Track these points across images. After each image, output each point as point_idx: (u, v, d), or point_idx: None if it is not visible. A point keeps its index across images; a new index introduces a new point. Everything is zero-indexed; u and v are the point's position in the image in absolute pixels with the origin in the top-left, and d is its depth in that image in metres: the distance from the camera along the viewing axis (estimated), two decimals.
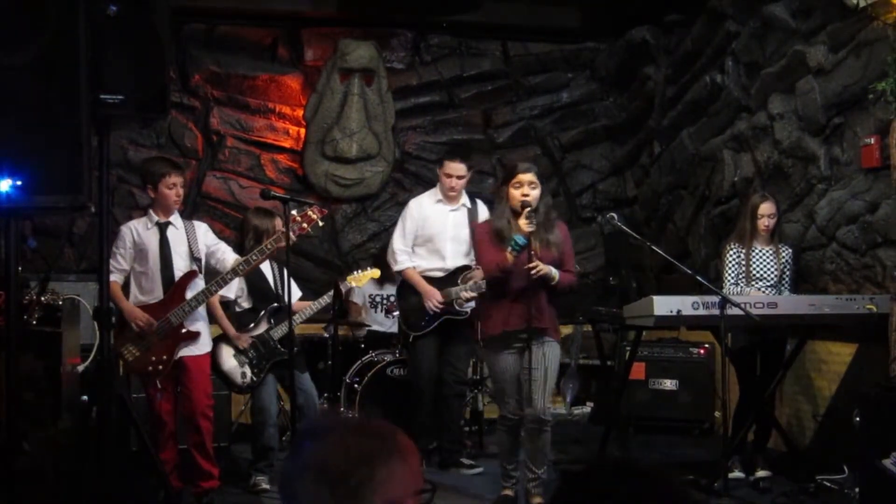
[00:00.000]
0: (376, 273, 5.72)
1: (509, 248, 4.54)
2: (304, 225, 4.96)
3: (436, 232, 5.84)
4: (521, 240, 4.50)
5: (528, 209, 4.55)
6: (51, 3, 3.01)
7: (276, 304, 5.55)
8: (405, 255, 5.82)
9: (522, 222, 4.54)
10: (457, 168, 5.78)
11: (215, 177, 7.72)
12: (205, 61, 7.68)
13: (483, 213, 5.94)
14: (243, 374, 5.41)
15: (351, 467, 1.42)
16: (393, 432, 1.50)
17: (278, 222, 5.55)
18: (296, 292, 5.70)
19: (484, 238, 4.77)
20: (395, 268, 5.87)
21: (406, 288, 5.86)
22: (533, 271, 4.50)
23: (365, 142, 7.71)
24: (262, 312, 5.54)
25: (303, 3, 7.68)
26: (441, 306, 5.68)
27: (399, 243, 5.86)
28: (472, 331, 5.78)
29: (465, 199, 5.93)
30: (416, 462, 1.51)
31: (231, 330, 5.46)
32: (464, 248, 5.85)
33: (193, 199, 7.54)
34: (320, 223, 5.05)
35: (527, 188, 4.65)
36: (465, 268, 5.82)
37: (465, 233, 5.85)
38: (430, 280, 5.77)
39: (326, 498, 1.41)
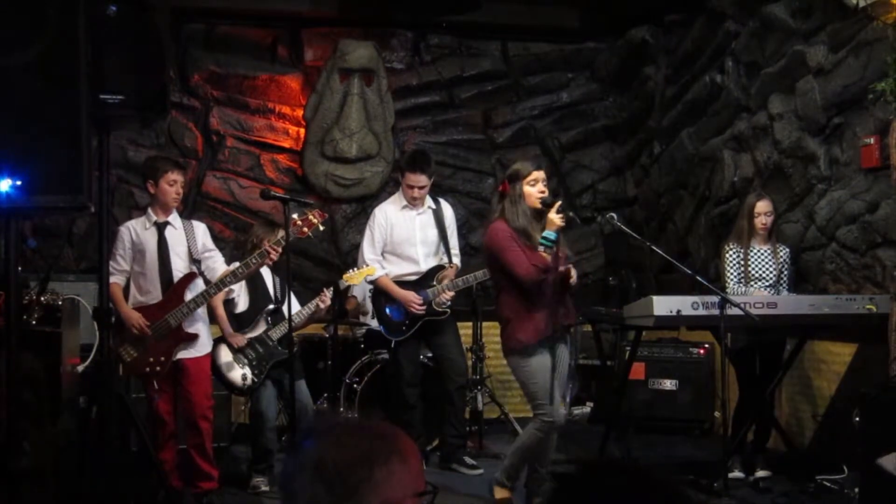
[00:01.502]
0: (372, 270, 5.71)
1: (542, 247, 4.46)
2: (305, 229, 4.96)
3: (405, 237, 5.84)
4: (552, 235, 4.45)
5: (559, 203, 4.50)
6: (51, 3, 3.00)
7: (273, 306, 5.55)
8: (376, 265, 5.81)
9: (555, 217, 4.46)
10: (418, 180, 5.78)
11: (215, 177, 7.72)
12: (205, 61, 7.69)
13: (448, 212, 5.97)
14: (244, 377, 5.40)
15: (349, 467, 1.42)
16: (393, 433, 1.50)
17: (279, 234, 5.53)
18: (294, 306, 5.71)
19: (509, 244, 4.53)
20: (368, 279, 5.87)
21: (381, 296, 5.86)
22: (571, 278, 4.53)
23: (365, 142, 7.71)
24: (261, 313, 5.53)
25: (303, 3, 7.68)
26: (423, 308, 5.69)
27: (369, 253, 5.84)
28: (453, 318, 5.83)
29: (428, 201, 5.93)
30: (417, 463, 1.50)
31: (228, 329, 5.45)
32: (433, 248, 5.88)
33: (193, 199, 7.55)
34: (321, 227, 5.04)
35: (542, 185, 4.60)
36: (439, 268, 5.84)
37: (432, 233, 5.88)
38: (405, 284, 5.78)
39: (324, 497, 1.41)
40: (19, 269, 3.40)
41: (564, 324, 4.61)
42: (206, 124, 7.71)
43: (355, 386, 6.06)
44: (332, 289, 5.75)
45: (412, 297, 5.70)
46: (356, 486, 1.41)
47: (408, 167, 5.82)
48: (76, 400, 4.80)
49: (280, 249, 5.00)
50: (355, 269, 5.77)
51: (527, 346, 4.54)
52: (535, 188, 4.59)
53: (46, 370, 4.34)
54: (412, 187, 5.78)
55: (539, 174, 4.61)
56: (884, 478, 4.25)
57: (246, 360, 5.42)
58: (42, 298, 4.62)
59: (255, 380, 5.41)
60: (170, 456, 4.95)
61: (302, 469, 1.44)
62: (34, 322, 4.55)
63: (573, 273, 4.60)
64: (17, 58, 2.96)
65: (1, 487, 3.11)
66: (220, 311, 5.48)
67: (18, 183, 2.98)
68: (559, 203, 4.50)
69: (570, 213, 4.53)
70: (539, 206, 4.56)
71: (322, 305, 5.62)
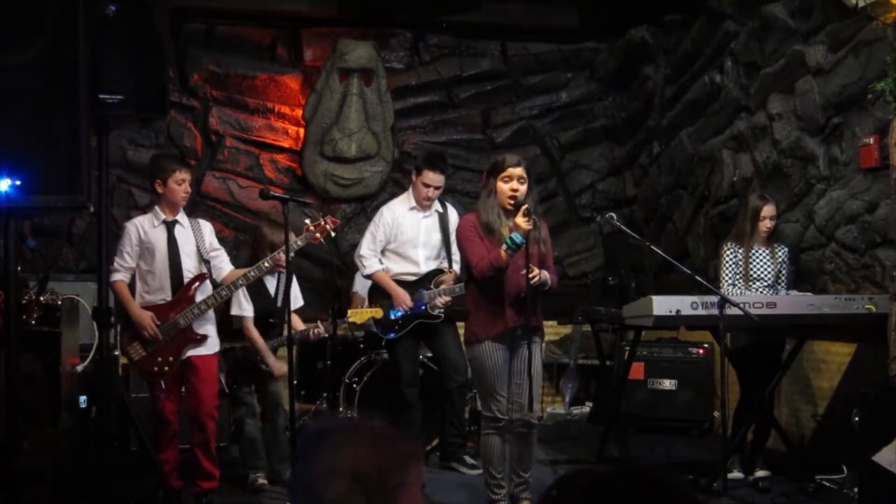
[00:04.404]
0: (378, 312, 5.67)
1: (505, 247, 4.36)
2: (317, 234, 5.01)
3: (408, 238, 5.84)
4: (518, 238, 4.32)
5: (526, 207, 4.36)
6: (51, 3, 3.00)
7: (271, 320, 5.54)
8: (374, 259, 5.81)
9: (521, 220, 4.32)
10: (436, 179, 5.77)
11: (214, 176, 7.72)
12: (204, 61, 7.68)
13: (454, 217, 5.94)
14: (218, 380, 5.41)
15: (387, 472, 1.44)
16: (406, 435, 1.54)
17: (293, 236, 5.55)
18: (298, 300, 5.71)
19: (471, 234, 4.55)
20: (364, 272, 5.86)
21: (376, 291, 5.85)
22: (532, 279, 4.38)
23: (364, 142, 7.71)
24: (262, 324, 5.55)
25: (302, 3, 7.68)
26: (409, 307, 5.68)
27: (367, 248, 5.84)
28: (452, 318, 5.79)
29: (436, 205, 5.93)
30: (422, 464, 1.55)
31: (269, 356, 5.47)
32: (435, 252, 5.88)
33: (192, 199, 7.50)
34: (332, 234, 5.10)
35: (516, 183, 4.48)
36: (438, 272, 5.83)
37: (436, 237, 5.87)
38: (403, 284, 5.77)
39: (361, 502, 1.42)
40: (18, 268, 3.40)
41: (529, 325, 4.49)
42: (205, 124, 7.71)
43: (354, 386, 6.06)
44: (328, 321, 5.74)
45: (404, 297, 5.69)
46: (394, 490, 1.44)
47: (427, 165, 5.78)
48: (76, 400, 4.80)
49: (271, 268, 5.06)
50: (364, 306, 5.74)
51: (479, 340, 4.56)
52: (507, 185, 4.49)
53: (46, 370, 4.34)
54: (428, 186, 5.76)
55: (515, 171, 4.49)
56: (883, 477, 4.26)
57: (225, 368, 5.44)
58: (41, 298, 4.62)
59: (226, 389, 5.46)
60: (172, 456, 4.94)
61: (335, 475, 1.44)
62: (33, 322, 4.55)
63: (539, 276, 4.43)
64: (16, 58, 2.96)
65: (1, 487, 3.12)
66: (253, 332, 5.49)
67: (18, 183, 2.98)
68: (525, 206, 4.35)
69: (536, 219, 4.40)
70: (508, 204, 4.48)
71: (313, 334, 5.63)
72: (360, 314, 5.68)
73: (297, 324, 5.70)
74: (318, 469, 1.47)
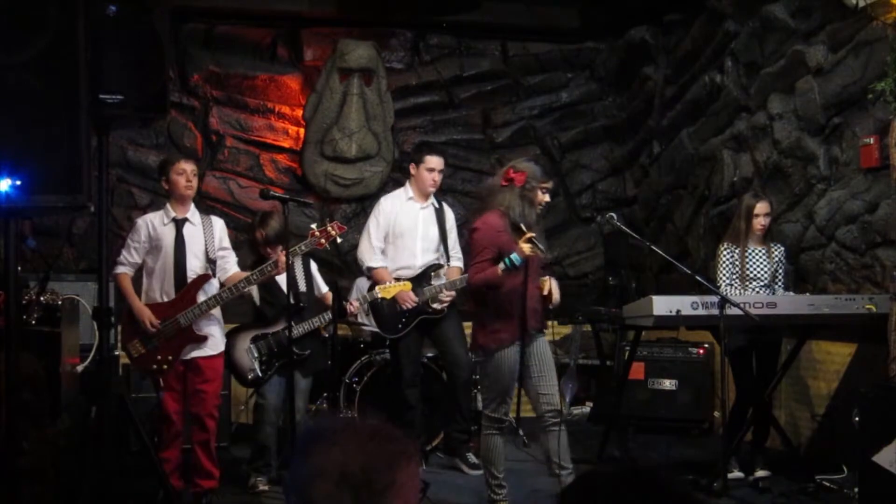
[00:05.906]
0: (408, 286, 5.66)
1: (502, 266, 4.45)
2: (322, 240, 5.00)
3: (406, 229, 5.85)
4: (518, 260, 4.44)
5: (532, 235, 4.47)
6: (51, 3, 3.00)
7: (300, 304, 5.54)
8: (378, 254, 5.82)
9: (526, 246, 4.44)
10: (438, 162, 5.81)
11: (214, 177, 7.72)
12: (204, 61, 7.69)
13: (450, 214, 5.98)
14: (251, 370, 5.41)
15: (374, 472, 1.44)
16: (401, 435, 1.52)
17: (258, 235, 5.59)
18: (323, 287, 5.77)
19: (486, 243, 4.58)
20: (367, 264, 5.86)
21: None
22: (549, 302, 4.66)
23: (364, 142, 7.71)
24: (282, 311, 5.55)
25: (302, 3, 7.68)
26: (414, 303, 5.68)
27: (369, 242, 5.85)
28: (456, 313, 5.82)
29: (432, 200, 5.94)
30: (419, 464, 1.53)
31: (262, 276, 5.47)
32: (432, 244, 5.88)
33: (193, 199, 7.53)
34: (339, 240, 5.10)
35: (547, 196, 4.73)
36: (436, 266, 5.84)
37: (433, 230, 5.89)
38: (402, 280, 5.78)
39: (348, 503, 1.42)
40: (19, 269, 3.40)
41: (535, 329, 4.66)
42: (205, 124, 7.72)
43: (355, 386, 6.06)
44: (360, 300, 5.75)
45: (409, 294, 5.69)
46: (383, 490, 1.43)
47: (426, 150, 5.86)
48: (76, 400, 4.80)
49: (272, 272, 5.07)
50: (390, 283, 5.73)
51: (498, 349, 4.61)
52: (544, 196, 4.69)
53: (46, 370, 4.34)
54: (433, 170, 5.78)
55: (550, 184, 4.74)
56: (883, 478, 4.26)
57: (257, 354, 5.43)
58: (41, 298, 4.63)
59: (261, 375, 5.42)
60: (174, 455, 4.95)
61: (321, 475, 1.43)
62: (34, 322, 4.55)
63: (550, 289, 4.65)
64: (17, 57, 2.96)
65: (1, 487, 3.11)
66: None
67: (18, 183, 2.98)
68: (532, 235, 4.47)
69: (541, 247, 4.51)
70: (538, 210, 4.65)
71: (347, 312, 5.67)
72: (388, 290, 5.65)
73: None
74: (307, 469, 1.47)
